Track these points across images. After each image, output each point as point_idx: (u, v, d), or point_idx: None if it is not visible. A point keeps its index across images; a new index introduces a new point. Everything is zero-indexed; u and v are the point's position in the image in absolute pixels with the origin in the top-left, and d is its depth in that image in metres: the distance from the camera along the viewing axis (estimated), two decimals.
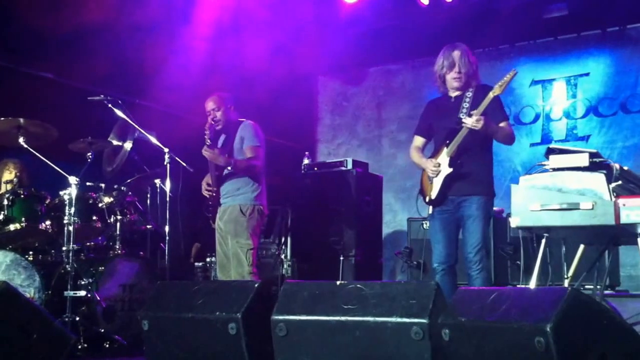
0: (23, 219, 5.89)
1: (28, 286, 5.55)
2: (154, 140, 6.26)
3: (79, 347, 5.30)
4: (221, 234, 5.89)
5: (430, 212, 5.07)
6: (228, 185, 5.85)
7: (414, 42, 8.82)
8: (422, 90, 9.01)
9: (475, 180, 4.94)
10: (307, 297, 3.69)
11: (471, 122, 4.76)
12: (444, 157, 4.94)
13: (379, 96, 9.96)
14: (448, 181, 4.92)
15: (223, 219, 5.85)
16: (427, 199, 5.04)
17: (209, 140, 5.71)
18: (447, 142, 4.93)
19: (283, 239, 7.44)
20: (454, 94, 5.12)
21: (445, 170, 4.92)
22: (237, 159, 5.80)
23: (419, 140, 5.30)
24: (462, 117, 4.86)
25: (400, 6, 8.52)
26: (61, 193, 5.94)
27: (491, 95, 4.81)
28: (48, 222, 5.99)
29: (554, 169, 4.15)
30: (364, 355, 3.43)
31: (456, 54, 5.03)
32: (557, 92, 8.70)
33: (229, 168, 5.80)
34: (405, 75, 9.73)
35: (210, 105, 5.95)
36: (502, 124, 5.01)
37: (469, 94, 5.02)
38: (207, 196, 5.91)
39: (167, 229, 6.17)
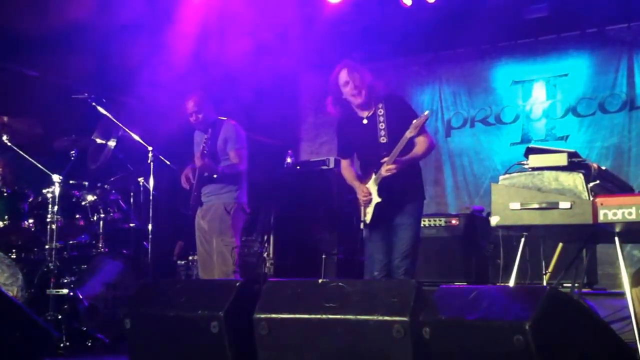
0: (6, 216, 5.88)
1: (11, 284, 5.55)
2: (137, 138, 6.26)
3: (62, 345, 5.32)
4: (203, 233, 5.88)
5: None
6: (212, 184, 5.84)
7: (396, 41, 8.86)
8: (405, 89, 9.02)
9: (406, 197, 4.94)
10: (289, 295, 3.70)
11: (384, 170, 4.77)
12: (373, 185, 4.90)
13: None
14: (379, 209, 4.89)
15: (206, 217, 5.84)
16: (362, 222, 5.00)
17: (205, 150, 5.61)
18: (375, 170, 4.88)
19: (266, 237, 7.46)
20: (364, 114, 5.04)
21: (375, 199, 4.89)
22: (224, 166, 5.77)
23: (346, 162, 5.24)
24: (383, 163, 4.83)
25: (383, 6, 8.56)
26: (44, 191, 5.94)
27: (407, 135, 4.77)
28: (31, 220, 5.98)
29: (534, 169, 4.18)
30: (346, 353, 3.46)
31: (344, 72, 4.99)
32: (537, 92, 8.77)
33: (215, 176, 5.78)
34: (389, 74, 9.74)
35: (191, 105, 5.88)
36: (420, 139, 4.94)
37: (381, 111, 4.98)
38: (187, 188, 5.88)
39: (150, 227, 6.17)
